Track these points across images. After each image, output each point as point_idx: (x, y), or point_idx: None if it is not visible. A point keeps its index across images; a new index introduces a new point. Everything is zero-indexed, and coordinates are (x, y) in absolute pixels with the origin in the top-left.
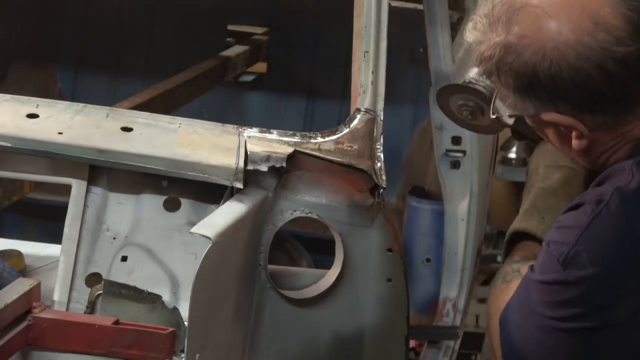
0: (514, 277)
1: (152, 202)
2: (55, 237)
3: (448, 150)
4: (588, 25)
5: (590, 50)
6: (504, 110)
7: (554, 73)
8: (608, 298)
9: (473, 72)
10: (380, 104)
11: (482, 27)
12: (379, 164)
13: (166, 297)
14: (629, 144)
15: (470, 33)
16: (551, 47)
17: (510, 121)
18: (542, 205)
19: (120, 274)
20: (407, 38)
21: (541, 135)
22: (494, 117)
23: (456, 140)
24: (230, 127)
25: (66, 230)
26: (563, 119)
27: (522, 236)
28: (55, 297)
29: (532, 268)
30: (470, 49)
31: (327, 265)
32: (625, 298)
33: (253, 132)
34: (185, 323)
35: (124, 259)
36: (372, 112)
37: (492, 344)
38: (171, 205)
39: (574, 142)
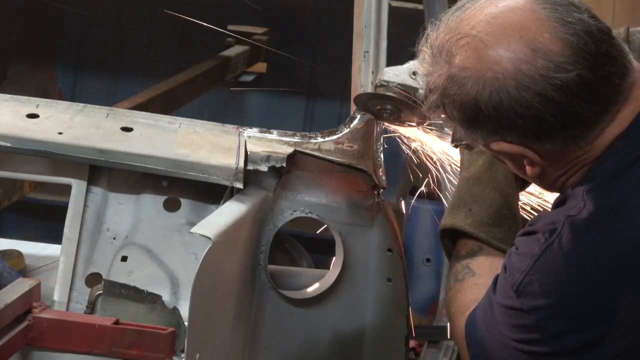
0: (465, 275)
1: (152, 202)
2: (55, 237)
3: None
4: (526, 53)
5: (530, 78)
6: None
7: (495, 103)
8: (560, 327)
9: (384, 74)
10: None
11: (428, 58)
12: (379, 164)
13: (166, 297)
14: (582, 169)
15: (421, 65)
16: (490, 78)
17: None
18: (468, 196)
19: (120, 274)
20: (407, 38)
21: (498, 160)
22: (452, 144)
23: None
24: (230, 127)
25: (66, 230)
26: (512, 147)
27: (455, 232)
28: (55, 297)
29: (494, 286)
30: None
31: (327, 265)
32: (578, 328)
33: (253, 132)
34: (185, 323)
35: (124, 259)
36: None
37: (456, 342)
38: (171, 205)
39: (527, 169)
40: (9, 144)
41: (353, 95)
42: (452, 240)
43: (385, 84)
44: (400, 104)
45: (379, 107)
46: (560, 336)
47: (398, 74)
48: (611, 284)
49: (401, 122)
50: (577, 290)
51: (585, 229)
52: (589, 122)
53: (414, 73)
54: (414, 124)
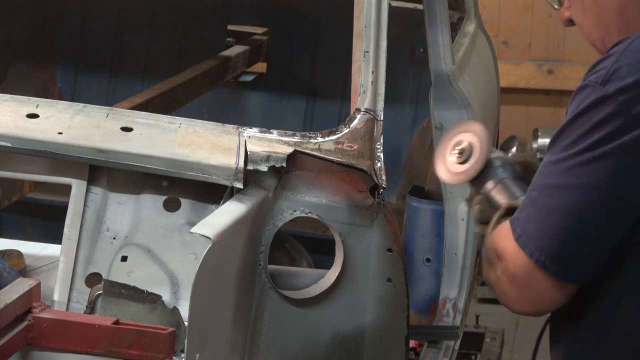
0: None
1: (152, 202)
2: (55, 237)
3: None
4: None
5: None
6: None
7: None
8: None
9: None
10: (380, 104)
11: None
12: (379, 164)
13: (166, 297)
14: None
15: None
16: None
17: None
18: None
19: (120, 274)
20: (407, 38)
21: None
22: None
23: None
24: (230, 127)
25: (66, 230)
26: None
27: None
28: (55, 297)
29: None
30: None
31: (327, 265)
32: None
33: (253, 132)
34: (185, 323)
35: (124, 259)
36: (372, 112)
37: (488, 253)
38: (171, 205)
39: None
40: (9, 144)
41: (353, 95)
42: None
43: None
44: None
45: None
46: None
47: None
48: None
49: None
50: None
51: None
52: None
53: None
54: None
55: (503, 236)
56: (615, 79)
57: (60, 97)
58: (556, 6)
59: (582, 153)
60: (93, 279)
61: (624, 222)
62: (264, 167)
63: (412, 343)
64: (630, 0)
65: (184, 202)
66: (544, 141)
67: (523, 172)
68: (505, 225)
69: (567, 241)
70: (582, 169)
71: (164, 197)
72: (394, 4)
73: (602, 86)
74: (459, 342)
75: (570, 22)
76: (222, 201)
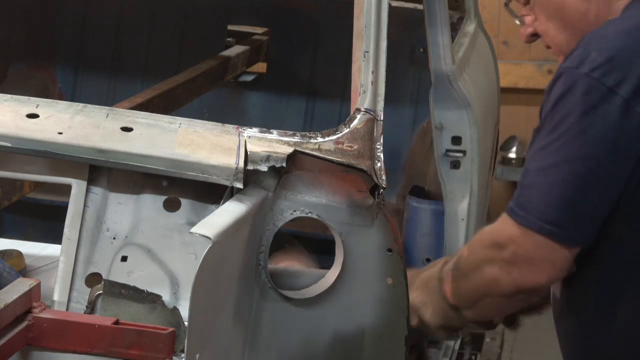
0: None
1: (152, 202)
2: (55, 237)
3: (448, 150)
4: None
5: None
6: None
7: None
8: (615, 79)
9: None
10: (380, 104)
11: None
12: (379, 164)
13: (166, 297)
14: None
15: None
16: None
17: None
18: None
19: (120, 274)
20: (407, 38)
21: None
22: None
23: (456, 140)
24: (230, 127)
25: (66, 230)
26: None
27: None
28: (55, 297)
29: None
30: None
31: (327, 265)
32: (627, 76)
33: (253, 132)
34: (185, 323)
35: (124, 259)
36: (372, 112)
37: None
38: (171, 205)
39: None
40: (9, 144)
41: (353, 95)
42: None
43: None
44: None
45: None
46: (614, 88)
47: None
48: None
49: None
50: (626, 44)
51: (618, 19)
52: None
53: None
54: None
55: (501, 228)
56: (588, 61)
57: (60, 97)
58: (517, 22)
59: (570, 129)
60: (93, 279)
61: (618, 181)
62: (264, 167)
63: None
64: (592, 3)
65: (184, 202)
66: None
67: None
68: (501, 219)
69: (573, 209)
70: (573, 142)
71: (164, 197)
72: (394, 4)
73: (577, 69)
74: (459, 342)
75: (532, 38)
76: (222, 201)
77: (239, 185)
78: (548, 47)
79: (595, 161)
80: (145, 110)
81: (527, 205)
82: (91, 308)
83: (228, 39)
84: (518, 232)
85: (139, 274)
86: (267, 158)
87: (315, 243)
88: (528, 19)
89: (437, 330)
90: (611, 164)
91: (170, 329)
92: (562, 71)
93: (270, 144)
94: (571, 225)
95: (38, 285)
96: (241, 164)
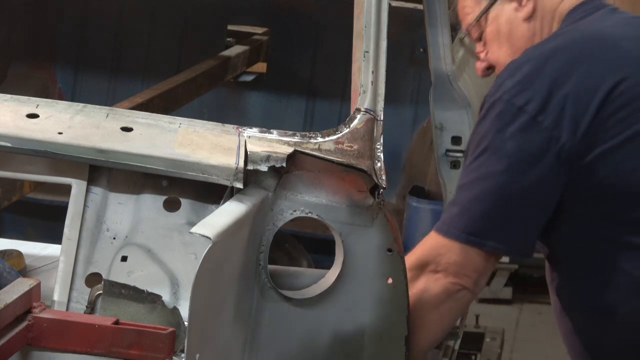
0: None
1: (152, 202)
2: (55, 237)
3: (448, 150)
4: None
5: None
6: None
7: None
8: (524, 99)
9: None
10: (380, 104)
11: None
12: (379, 164)
13: (166, 297)
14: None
15: None
16: None
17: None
18: None
19: (120, 274)
20: (407, 38)
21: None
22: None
23: (456, 140)
24: (230, 127)
25: (66, 230)
26: None
27: None
28: (55, 297)
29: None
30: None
31: (327, 265)
32: (534, 96)
33: (253, 132)
34: (185, 323)
35: (124, 259)
36: (372, 112)
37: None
38: (171, 205)
39: (525, 8)
40: (9, 144)
41: (353, 95)
42: None
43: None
44: None
45: None
46: (523, 107)
47: None
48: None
49: None
50: (532, 68)
51: (540, 43)
52: None
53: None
54: None
55: (426, 245)
56: (502, 87)
57: (60, 97)
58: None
59: (487, 147)
60: (93, 279)
61: (538, 190)
62: (264, 167)
63: None
64: (537, 27)
65: (184, 202)
66: None
67: None
68: (430, 236)
69: (492, 221)
70: (490, 159)
71: (164, 197)
72: (394, 4)
73: (493, 96)
74: (459, 342)
75: (488, 71)
76: (222, 201)
77: (239, 185)
78: None
79: (508, 175)
80: (145, 110)
81: (450, 219)
82: (91, 308)
83: (228, 39)
84: (444, 243)
85: (139, 274)
86: (267, 158)
87: (315, 243)
88: (482, 54)
89: None
90: (525, 176)
91: (170, 329)
92: (484, 100)
93: (270, 144)
94: (491, 235)
95: (38, 285)
96: (241, 164)
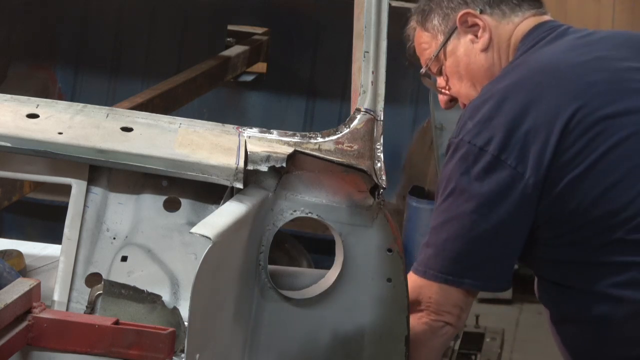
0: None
1: (152, 202)
2: (55, 237)
3: None
4: None
5: None
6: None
7: None
8: (484, 138)
9: None
10: (380, 104)
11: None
12: (379, 164)
13: (166, 297)
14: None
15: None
16: None
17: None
18: None
19: (120, 274)
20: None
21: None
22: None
23: None
24: (230, 127)
25: (66, 230)
26: (470, 18)
27: None
28: (55, 297)
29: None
30: None
31: (327, 265)
32: (494, 135)
33: (253, 132)
34: (185, 323)
35: (124, 259)
36: (372, 112)
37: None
38: (171, 205)
39: (480, 40)
40: (9, 144)
41: (353, 95)
42: None
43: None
44: None
45: None
46: (484, 147)
47: None
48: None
49: None
50: (491, 108)
51: (496, 79)
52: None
53: None
54: None
55: (409, 284)
56: (464, 129)
57: (60, 97)
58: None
59: (454, 189)
60: (93, 279)
61: (508, 226)
62: (264, 167)
63: None
64: (495, 57)
65: (184, 202)
66: None
67: None
68: (409, 276)
69: (465, 260)
70: (457, 201)
71: (164, 197)
72: (394, 4)
73: (456, 138)
74: (459, 342)
75: (450, 103)
76: (222, 201)
77: (239, 185)
78: (464, 105)
79: (477, 215)
80: (145, 110)
81: (427, 261)
82: (91, 308)
83: (228, 39)
84: (423, 284)
85: (139, 274)
86: (267, 158)
87: (315, 243)
88: (444, 88)
89: None
90: (493, 215)
91: (170, 329)
92: (449, 142)
93: (270, 144)
94: (467, 274)
95: (38, 285)
96: (241, 164)
